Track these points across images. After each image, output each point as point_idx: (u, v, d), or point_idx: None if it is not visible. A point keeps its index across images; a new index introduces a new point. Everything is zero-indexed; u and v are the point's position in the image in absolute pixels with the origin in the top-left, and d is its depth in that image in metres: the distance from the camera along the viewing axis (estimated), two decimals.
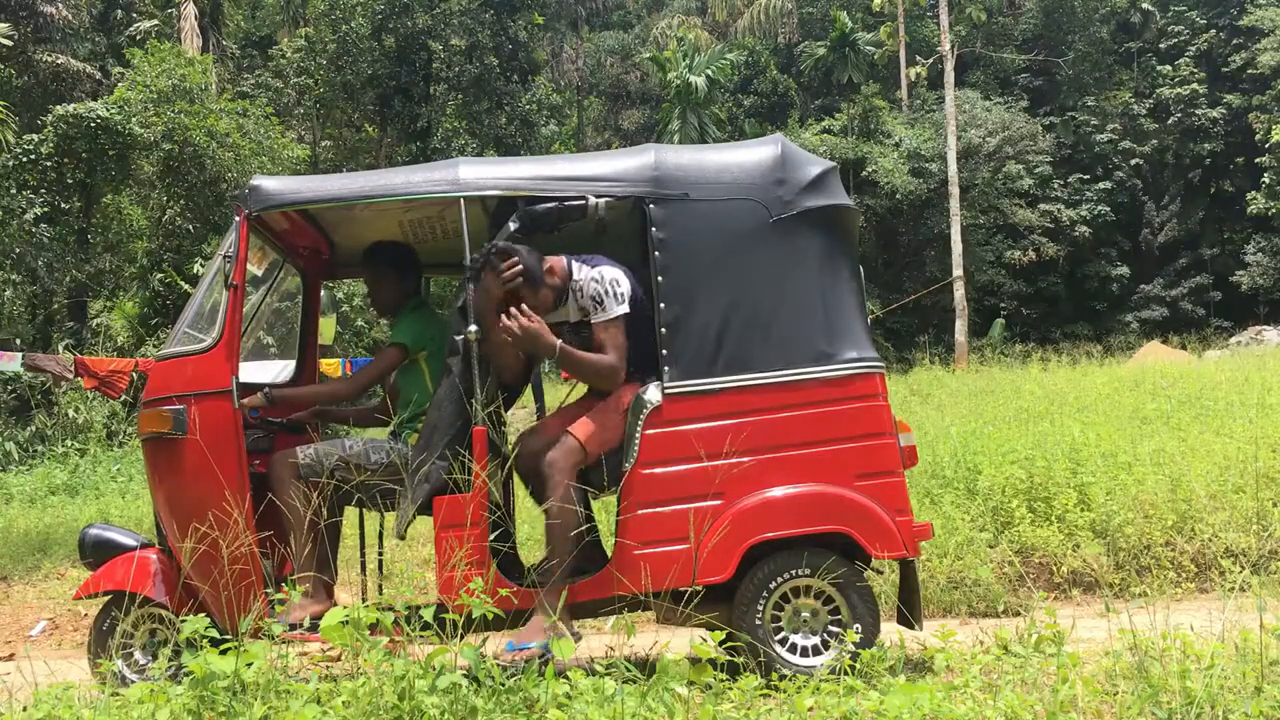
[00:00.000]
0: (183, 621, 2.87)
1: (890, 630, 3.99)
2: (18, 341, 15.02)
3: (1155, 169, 33.73)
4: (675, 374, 3.72)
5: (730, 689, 2.91)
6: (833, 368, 3.77)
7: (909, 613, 3.84)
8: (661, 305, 3.75)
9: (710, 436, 3.66)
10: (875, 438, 3.77)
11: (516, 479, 4.19)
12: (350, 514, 4.57)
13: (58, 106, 15.50)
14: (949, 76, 23.13)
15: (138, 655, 3.88)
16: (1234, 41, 32.48)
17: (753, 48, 35.26)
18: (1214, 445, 6.97)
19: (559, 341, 3.68)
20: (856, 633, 3.55)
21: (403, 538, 3.86)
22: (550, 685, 2.59)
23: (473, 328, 3.62)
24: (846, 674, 3.00)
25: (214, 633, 2.85)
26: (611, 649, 3.65)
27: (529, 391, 4.77)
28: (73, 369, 9.89)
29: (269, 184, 3.91)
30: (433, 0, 23.10)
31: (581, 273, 3.82)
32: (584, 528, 3.65)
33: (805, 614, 3.69)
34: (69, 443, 12.29)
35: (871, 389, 3.81)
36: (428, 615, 2.82)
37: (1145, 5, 34.24)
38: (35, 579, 7.07)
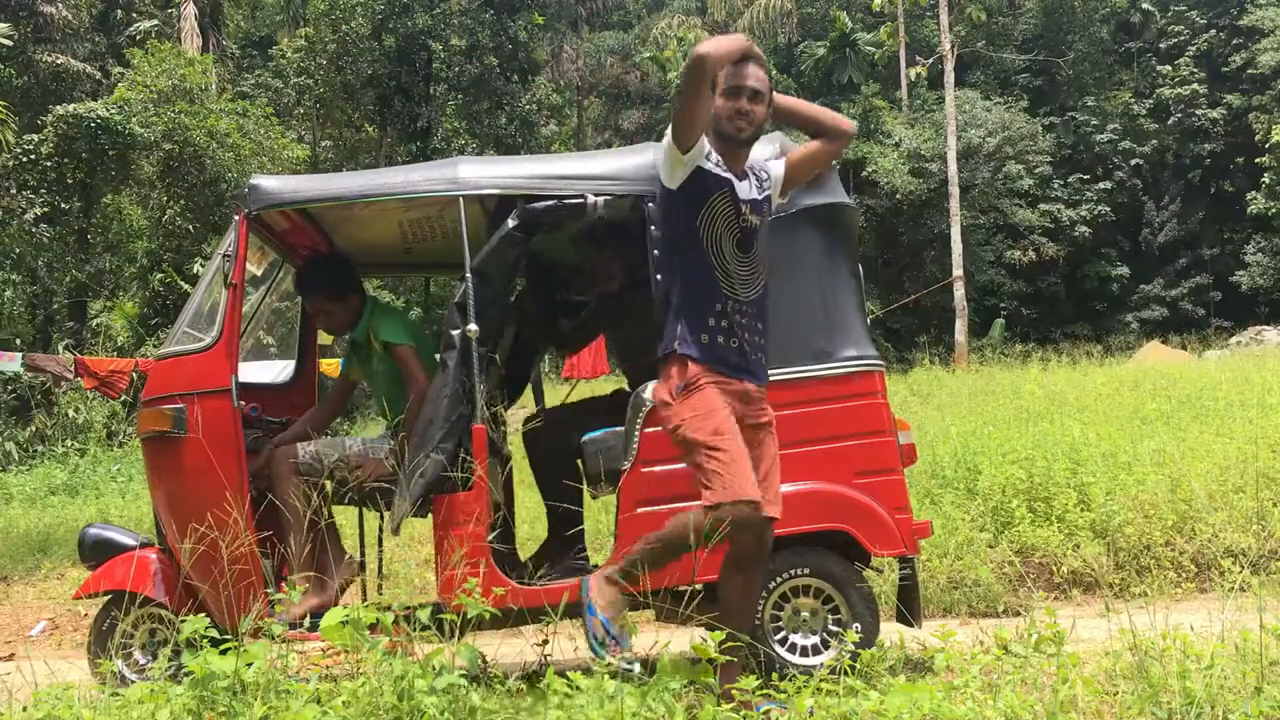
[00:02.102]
0: (183, 621, 2.87)
1: (890, 630, 3.99)
2: (18, 341, 15.05)
3: (1155, 169, 33.74)
4: None
5: (730, 689, 2.90)
6: (832, 366, 3.77)
7: (908, 611, 3.84)
8: None
9: None
10: (874, 436, 3.77)
11: (516, 478, 4.18)
12: (350, 514, 4.57)
13: (58, 106, 15.51)
14: (949, 76, 23.11)
15: (138, 655, 3.88)
16: (1234, 41, 32.49)
17: None
18: (1214, 445, 6.97)
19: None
20: (856, 632, 3.55)
21: (396, 533, 3.85)
22: (550, 685, 2.59)
23: (473, 326, 3.61)
24: (846, 674, 2.99)
25: (214, 633, 2.84)
26: None
27: (529, 391, 4.78)
28: (73, 369, 9.90)
29: (268, 183, 3.91)
30: (433, 0, 23.08)
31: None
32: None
33: (805, 613, 3.69)
34: (69, 443, 12.31)
35: (870, 387, 3.81)
36: (423, 616, 2.80)
37: (1145, 5, 34.24)
38: (35, 579, 7.07)
